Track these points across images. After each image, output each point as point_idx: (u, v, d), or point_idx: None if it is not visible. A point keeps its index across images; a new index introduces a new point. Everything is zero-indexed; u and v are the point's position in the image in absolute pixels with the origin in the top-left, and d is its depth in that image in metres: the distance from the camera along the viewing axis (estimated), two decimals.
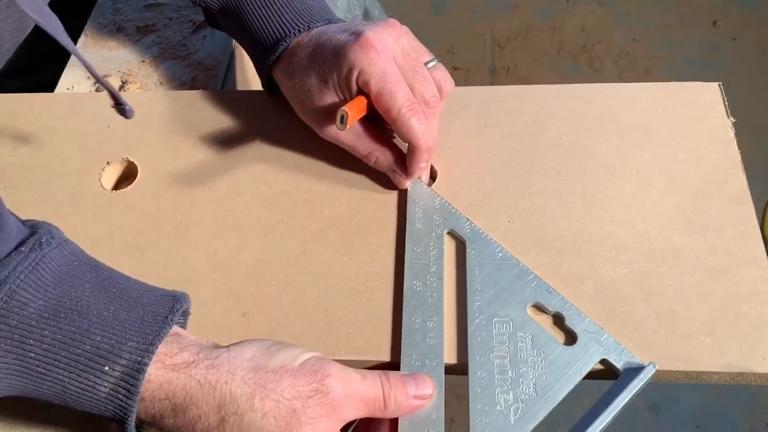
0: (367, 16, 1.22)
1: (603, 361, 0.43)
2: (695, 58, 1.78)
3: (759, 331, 0.43)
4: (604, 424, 0.40)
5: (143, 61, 0.66)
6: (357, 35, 0.48)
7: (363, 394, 0.39)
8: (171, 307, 0.39)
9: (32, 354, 0.37)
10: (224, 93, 0.62)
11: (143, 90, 0.64)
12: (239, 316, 0.47)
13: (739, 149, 0.52)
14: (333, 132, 0.51)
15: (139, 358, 0.37)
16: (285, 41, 0.52)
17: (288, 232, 0.51)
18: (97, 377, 0.37)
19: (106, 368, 0.37)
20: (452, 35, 1.94)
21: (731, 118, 0.53)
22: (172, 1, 0.71)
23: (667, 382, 0.43)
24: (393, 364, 0.44)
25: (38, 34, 0.61)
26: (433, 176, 0.53)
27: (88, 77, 0.65)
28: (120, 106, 0.52)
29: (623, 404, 0.41)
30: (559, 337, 0.44)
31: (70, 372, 0.37)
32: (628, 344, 0.44)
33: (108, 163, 0.56)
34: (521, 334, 0.44)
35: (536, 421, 0.41)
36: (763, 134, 1.60)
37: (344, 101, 0.50)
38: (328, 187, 0.53)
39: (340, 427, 0.39)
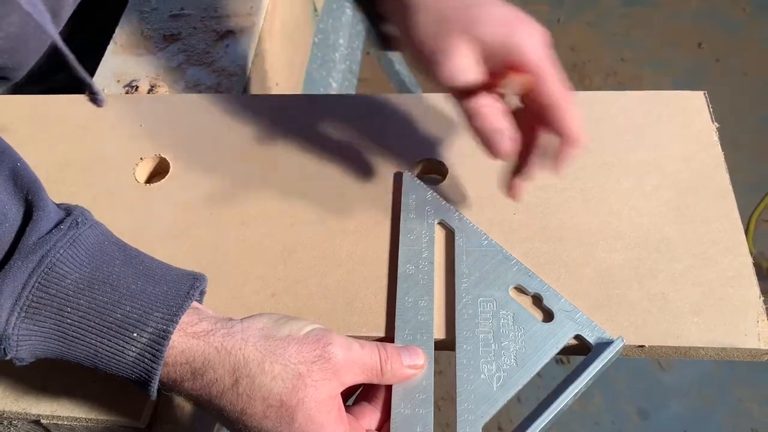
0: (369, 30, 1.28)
1: (577, 337, 0.47)
2: (680, 78, 1.85)
3: (741, 311, 0.48)
4: (576, 391, 0.45)
5: (170, 67, 0.71)
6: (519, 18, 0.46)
7: (362, 361, 0.43)
8: (191, 285, 0.43)
9: (68, 320, 0.41)
10: (247, 96, 0.67)
11: (172, 93, 0.69)
12: (268, 296, 0.51)
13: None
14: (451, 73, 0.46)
15: (165, 327, 0.41)
16: None
17: (311, 222, 0.55)
18: (126, 343, 0.41)
19: (135, 335, 0.40)
20: None
21: (715, 123, 0.58)
22: (196, 13, 0.76)
23: (659, 358, 0.48)
24: (388, 339, 0.49)
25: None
26: (444, 172, 0.58)
27: (118, 81, 0.69)
28: (93, 95, 0.54)
29: (594, 374, 0.45)
30: (538, 315, 0.49)
31: (102, 337, 0.41)
32: (623, 323, 0.48)
33: (141, 158, 0.60)
34: (504, 312, 0.48)
35: (516, 389, 0.46)
36: (746, 150, 1.67)
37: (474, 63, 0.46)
38: (348, 182, 0.57)
39: (341, 390, 0.43)
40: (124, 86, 0.69)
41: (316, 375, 0.41)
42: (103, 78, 0.70)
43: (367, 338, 0.49)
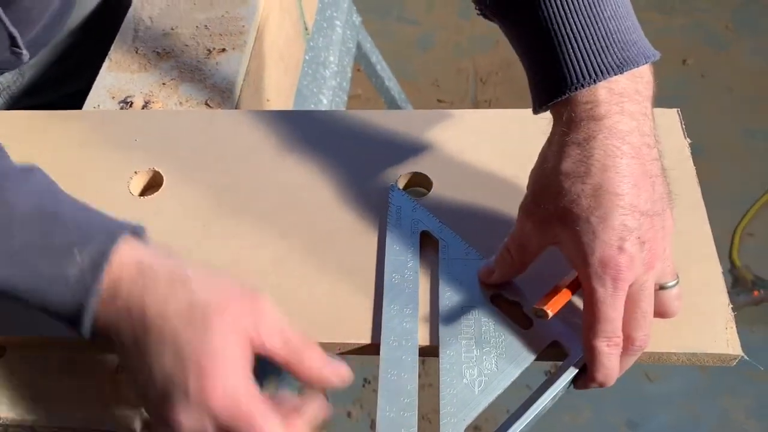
0: (359, 48, 1.30)
1: (554, 343, 0.49)
2: (666, 94, 1.86)
3: (711, 318, 0.50)
4: (554, 393, 0.47)
5: (163, 84, 0.73)
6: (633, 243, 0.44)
7: (287, 335, 0.43)
8: (127, 224, 0.45)
9: (13, 243, 0.42)
10: (239, 112, 0.69)
11: (165, 109, 0.71)
12: None
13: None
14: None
15: (104, 247, 0.42)
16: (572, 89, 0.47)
17: (302, 234, 0.57)
18: (69, 260, 0.42)
19: (75, 250, 0.42)
20: (437, 70, 2.03)
21: (687, 139, 0.61)
22: (189, 31, 0.78)
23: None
24: (374, 346, 0.51)
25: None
26: (429, 185, 0.60)
27: (113, 96, 0.72)
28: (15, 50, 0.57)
29: (571, 378, 0.48)
30: (517, 322, 0.51)
31: (43, 257, 0.42)
32: None
33: (135, 172, 0.62)
34: (485, 319, 0.51)
35: (497, 393, 0.48)
36: (729, 165, 1.70)
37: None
38: (337, 194, 0.60)
39: (252, 346, 0.42)
40: (119, 102, 0.71)
41: (240, 307, 0.42)
42: (98, 95, 0.72)
43: (354, 345, 0.51)
